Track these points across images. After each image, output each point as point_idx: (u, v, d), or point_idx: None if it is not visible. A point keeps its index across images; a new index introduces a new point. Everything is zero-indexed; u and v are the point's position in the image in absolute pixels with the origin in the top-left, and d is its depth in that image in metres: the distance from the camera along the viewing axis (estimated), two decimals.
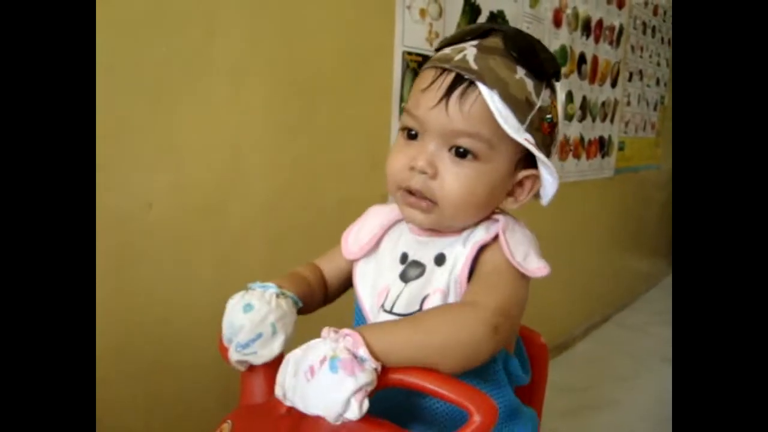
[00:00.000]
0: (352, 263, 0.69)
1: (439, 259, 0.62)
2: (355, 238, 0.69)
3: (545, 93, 0.59)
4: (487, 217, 0.63)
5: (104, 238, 0.83)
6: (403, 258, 0.65)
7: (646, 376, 2.09)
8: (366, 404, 0.46)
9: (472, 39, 0.60)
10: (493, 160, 0.59)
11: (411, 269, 0.63)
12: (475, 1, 1.51)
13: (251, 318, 0.55)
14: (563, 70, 2.00)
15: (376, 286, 0.65)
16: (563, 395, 1.83)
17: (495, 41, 0.59)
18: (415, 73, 1.31)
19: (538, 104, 0.58)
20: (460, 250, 0.61)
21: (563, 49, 1.98)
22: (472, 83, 0.57)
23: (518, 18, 1.70)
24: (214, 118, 0.98)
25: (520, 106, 0.57)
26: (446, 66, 0.58)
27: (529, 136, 0.57)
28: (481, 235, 0.61)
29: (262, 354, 0.56)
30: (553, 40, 1.91)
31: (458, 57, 0.58)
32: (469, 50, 0.58)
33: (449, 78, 0.57)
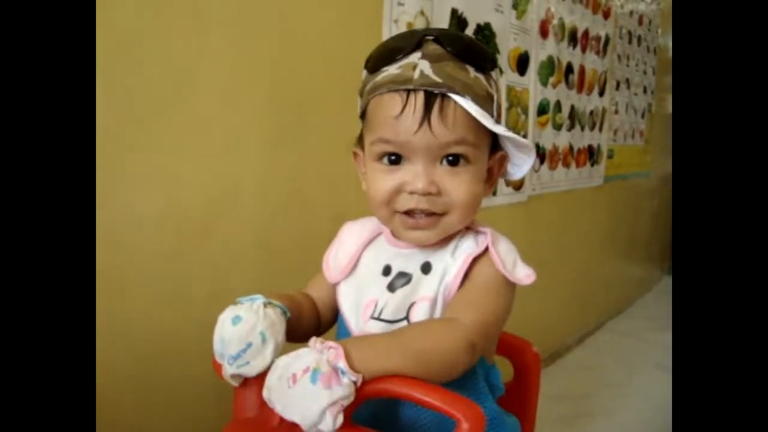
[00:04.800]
0: (335, 286, 0.70)
1: (425, 268, 0.64)
2: (334, 261, 0.71)
3: (492, 82, 0.63)
4: (472, 227, 0.66)
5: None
6: (386, 270, 0.66)
7: (641, 383, 2.09)
8: (340, 419, 0.48)
9: (411, 52, 0.60)
10: (479, 158, 0.62)
11: (397, 280, 0.65)
12: (461, 14, 1.54)
13: (240, 329, 0.56)
14: (551, 80, 2.03)
15: (359, 304, 0.66)
16: (557, 403, 1.83)
17: (434, 48, 0.60)
18: None
19: (494, 95, 0.63)
20: (449, 261, 0.64)
21: (550, 59, 2.00)
22: (443, 96, 0.58)
23: (505, 30, 1.73)
24: (204, 137, 0.98)
25: (487, 102, 0.61)
26: (410, 87, 0.58)
27: (499, 126, 0.61)
28: (471, 246, 0.64)
29: (255, 364, 0.56)
30: (540, 51, 1.94)
31: (416, 74, 0.58)
32: (421, 63, 0.58)
33: (419, 98, 0.58)
